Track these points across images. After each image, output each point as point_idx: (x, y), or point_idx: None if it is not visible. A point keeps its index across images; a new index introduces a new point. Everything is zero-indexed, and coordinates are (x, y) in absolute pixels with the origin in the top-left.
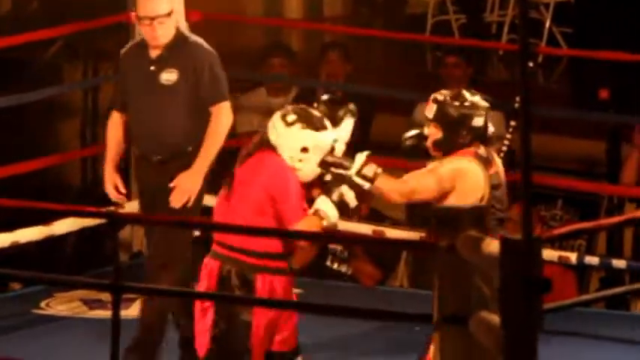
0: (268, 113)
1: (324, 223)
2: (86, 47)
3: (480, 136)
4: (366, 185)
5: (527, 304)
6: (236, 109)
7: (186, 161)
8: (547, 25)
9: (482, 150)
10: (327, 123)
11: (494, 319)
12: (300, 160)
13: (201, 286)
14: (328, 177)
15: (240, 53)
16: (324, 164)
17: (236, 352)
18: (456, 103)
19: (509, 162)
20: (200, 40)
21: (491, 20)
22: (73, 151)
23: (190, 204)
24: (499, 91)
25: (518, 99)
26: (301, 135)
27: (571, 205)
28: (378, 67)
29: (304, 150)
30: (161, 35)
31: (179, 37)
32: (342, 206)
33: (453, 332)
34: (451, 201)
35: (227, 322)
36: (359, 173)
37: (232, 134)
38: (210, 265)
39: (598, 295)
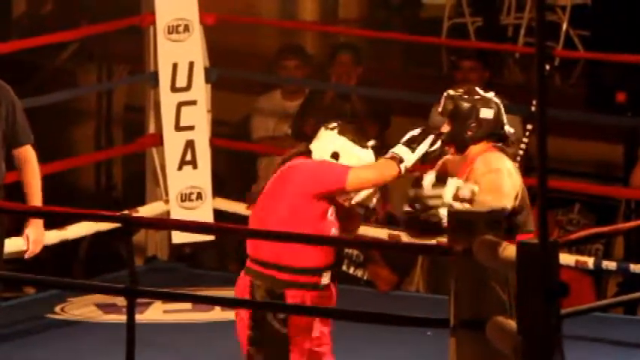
0: (284, 117)
1: (402, 167)
2: (100, 50)
3: (492, 131)
4: (466, 206)
5: (544, 308)
6: (252, 113)
7: None
8: (564, 27)
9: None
10: (369, 143)
11: (511, 324)
12: None
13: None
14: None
15: (254, 55)
16: (415, 199)
17: None
18: (465, 96)
19: (525, 166)
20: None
21: (508, 23)
22: (87, 154)
23: None
24: (515, 94)
25: (534, 102)
26: (336, 139)
27: (588, 209)
28: (394, 70)
29: (334, 155)
30: None
31: None
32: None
33: (470, 337)
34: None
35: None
36: (456, 199)
37: (247, 139)
38: (242, 282)
39: (616, 300)
